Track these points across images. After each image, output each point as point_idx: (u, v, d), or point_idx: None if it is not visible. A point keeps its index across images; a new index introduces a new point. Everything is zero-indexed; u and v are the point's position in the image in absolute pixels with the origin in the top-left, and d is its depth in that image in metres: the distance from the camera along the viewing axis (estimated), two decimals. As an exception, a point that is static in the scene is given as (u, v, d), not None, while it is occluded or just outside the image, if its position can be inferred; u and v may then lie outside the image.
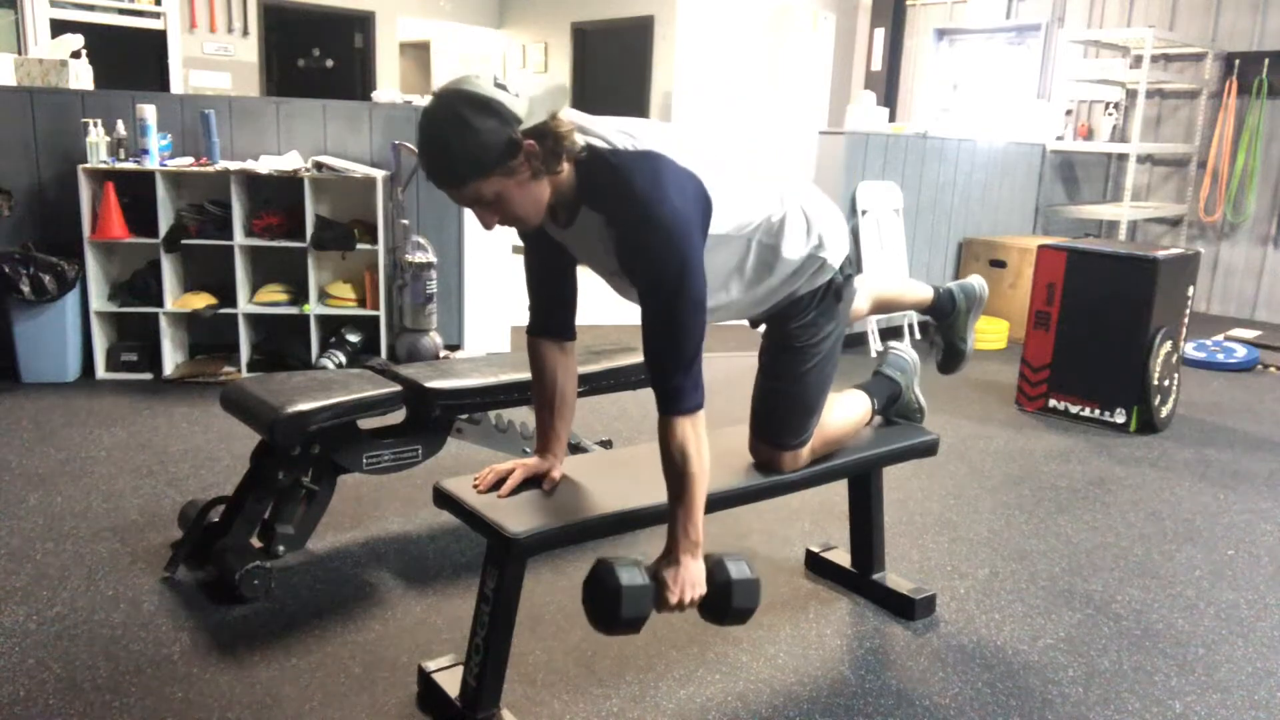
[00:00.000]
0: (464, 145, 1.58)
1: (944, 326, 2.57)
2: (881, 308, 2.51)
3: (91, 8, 6.72)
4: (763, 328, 2.16)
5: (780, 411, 2.07)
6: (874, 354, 5.30)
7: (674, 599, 1.73)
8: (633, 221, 1.66)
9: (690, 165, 1.72)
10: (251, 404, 2.41)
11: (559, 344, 2.00)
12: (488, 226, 1.71)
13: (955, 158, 5.94)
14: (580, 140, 1.67)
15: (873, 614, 2.46)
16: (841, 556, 2.64)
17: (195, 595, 2.42)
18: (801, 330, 2.03)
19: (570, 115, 1.67)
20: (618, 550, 2.73)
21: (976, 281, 2.57)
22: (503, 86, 1.60)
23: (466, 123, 1.57)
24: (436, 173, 1.63)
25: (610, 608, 1.67)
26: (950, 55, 8.48)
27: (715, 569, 1.77)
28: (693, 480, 1.73)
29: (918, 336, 5.72)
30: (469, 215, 4.79)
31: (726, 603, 1.76)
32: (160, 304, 4.27)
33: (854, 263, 2.09)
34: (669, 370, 1.71)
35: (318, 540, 2.73)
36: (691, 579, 1.75)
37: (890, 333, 5.69)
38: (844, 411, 2.27)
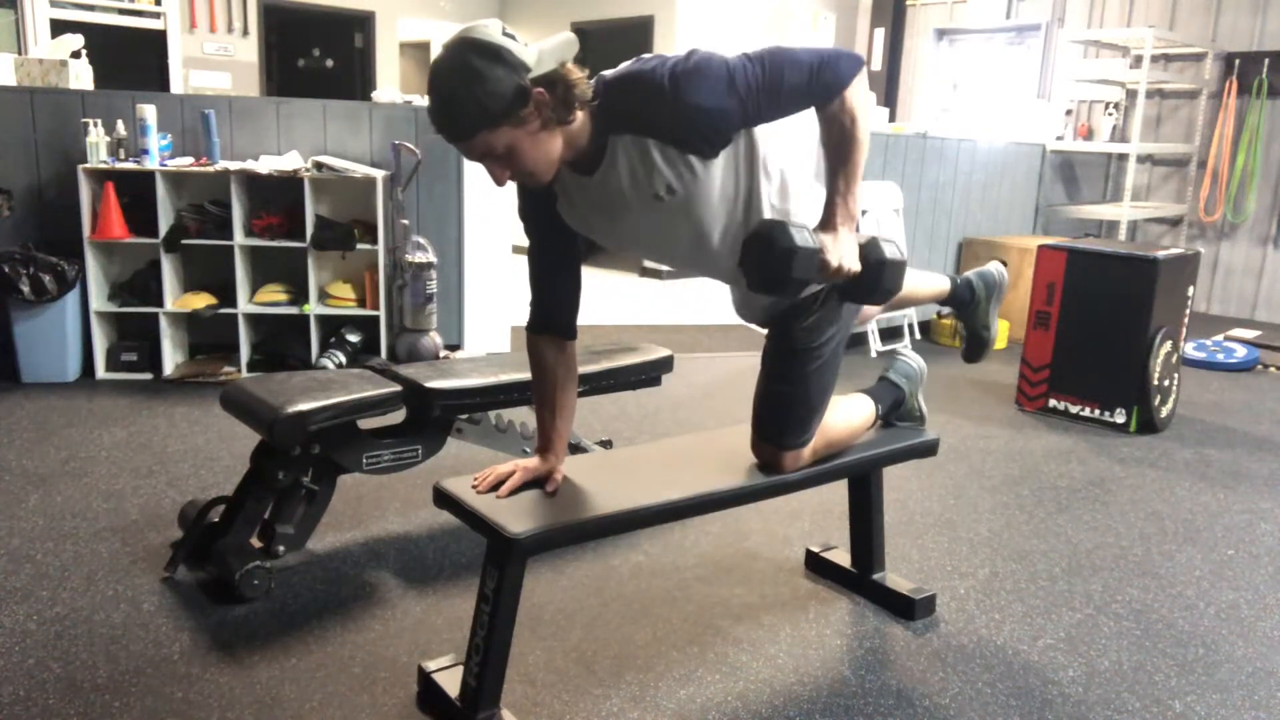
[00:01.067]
0: (472, 94, 1.55)
1: (965, 316, 2.56)
2: (896, 303, 2.50)
3: (91, 8, 6.72)
4: (764, 331, 2.16)
5: (782, 412, 2.07)
6: (874, 354, 5.30)
7: (833, 262, 1.73)
8: (666, 96, 1.63)
9: None
10: (251, 404, 2.41)
11: (560, 342, 1.99)
12: (499, 182, 1.68)
13: (955, 158, 5.94)
14: (590, 87, 1.65)
15: (873, 614, 2.46)
16: (841, 556, 2.64)
17: (195, 595, 2.42)
18: (804, 332, 2.02)
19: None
20: (618, 550, 2.73)
21: (995, 268, 2.56)
22: (511, 35, 1.59)
23: (475, 71, 1.54)
24: (445, 124, 1.60)
25: (783, 266, 1.67)
26: (950, 55, 8.49)
27: (868, 247, 1.80)
28: (858, 145, 1.73)
29: (918, 336, 5.72)
30: (469, 215, 4.79)
31: (878, 279, 1.79)
32: (160, 304, 4.27)
33: None
34: (821, 66, 1.69)
35: (318, 540, 2.73)
36: (848, 249, 1.76)
37: (890, 333, 5.69)
38: (847, 414, 2.26)
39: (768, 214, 1.88)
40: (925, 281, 2.54)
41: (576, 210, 1.85)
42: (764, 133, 1.80)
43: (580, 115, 1.66)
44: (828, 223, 1.76)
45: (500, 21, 1.62)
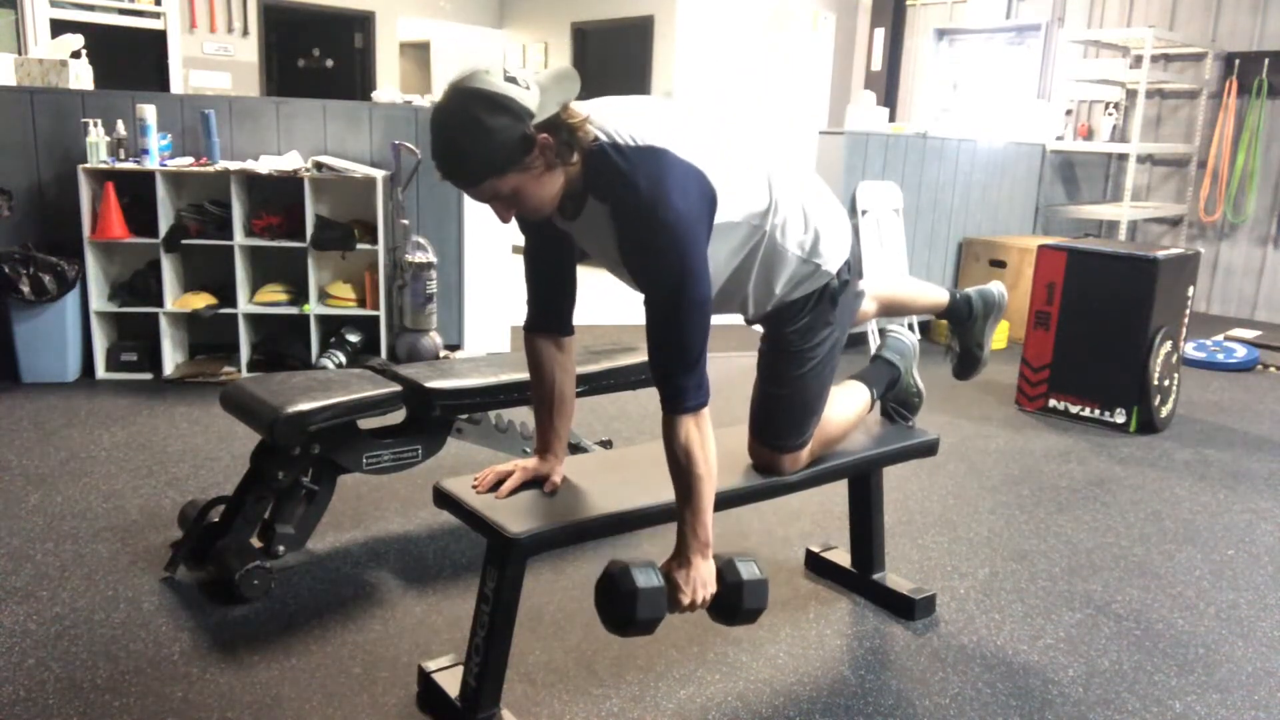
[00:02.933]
0: (478, 146, 1.57)
1: (961, 332, 2.55)
2: (891, 310, 2.49)
3: (91, 8, 6.72)
4: (760, 329, 2.16)
5: (778, 415, 2.07)
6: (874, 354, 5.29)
7: (686, 599, 1.73)
8: (636, 221, 1.66)
9: (694, 158, 1.71)
10: (251, 404, 2.41)
11: (557, 341, 1.99)
12: (504, 220, 1.71)
13: (955, 158, 5.94)
14: (591, 130, 1.66)
15: (873, 614, 2.46)
16: (841, 556, 2.64)
17: (195, 595, 2.42)
18: (796, 335, 2.02)
19: (578, 106, 1.67)
20: (618, 550, 2.73)
21: (996, 288, 2.55)
22: (513, 80, 1.59)
23: (480, 123, 1.56)
24: (452, 174, 1.62)
25: (626, 610, 1.67)
26: (950, 55, 8.48)
27: (725, 569, 1.77)
28: (699, 480, 1.73)
29: (917, 336, 5.71)
30: (469, 215, 4.80)
31: (738, 603, 1.76)
32: (160, 304, 4.27)
33: (853, 267, 2.06)
34: (672, 369, 1.71)
35: (318, 540, 2.73)
36: (703, 579, 1.75)
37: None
38: (843, 408, 2.25)
39: (764, 241, 1.90)
40: (924, 291, 2.53)
41: (566, 228, 1.87)
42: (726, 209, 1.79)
43: (578, 157, 1.67)
44: (680, 555, 1.76)
45: (501, 66, 1.62)
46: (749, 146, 1.88)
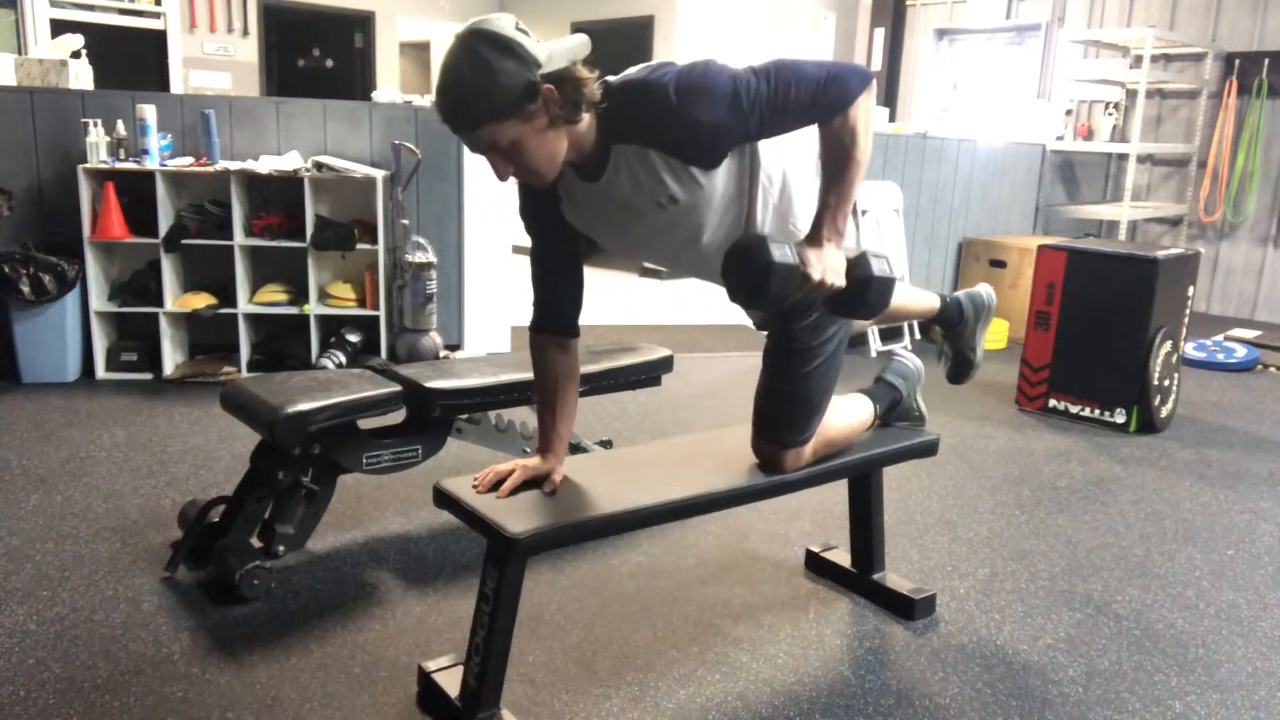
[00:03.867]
0: (481, 85, 1.55)
1: (953, 336, 2.55)
2: (885, 317, 2.50)
3: (91, 8, 6.72)
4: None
5: (783, 410, 2.07)
6: (874, 354, 5.30)
7: (816, 275, 1.71)
8: (675, 106, 1.63)
9: None
10: (251, 404, 2.41)
11: (562, 341, 1.99)
12: (502, 177, 1.68)
13: (955, 158, 5.94)
14: (598, 91, 1.65)
15: (873, 614, 2.46)
16: (841, 556, 2.64)
17: (195, 595, 2.42)
18: (804, 331, 2.02)
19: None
20: (618, 550, 2.73)
21: (985, 291, 2.56)
22: (524, 30, 1.58)
23: (486, 62, 1.54)
24: (452, 114, 1.60)
25: (760, 281, 1.66)
26: (950, 55, 8.49)
27: (857, 263, 1.77)
28: (855, 163, 1.71)
29: (917, 337, 5.72)
30: (469, 215, 4.80)
31: (865, 294, 1.77)
32: (160, 304, 4.27)
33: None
34: (820, 79, 1.67)
35: (318, 540, 2.73)
36: (834, 264, 1.74)
37: (891, 332, 5.68)
38: (847, 414, 2.26)
39: (770, 217, 1.88)
40: (916, 298, 2.54)
41: (580, 211, 1.85)
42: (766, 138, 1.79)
43: (587, 117, 1.66)
44: (814, 237, 1.75)
45: (513, 16, 1.62)
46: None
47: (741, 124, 1.66)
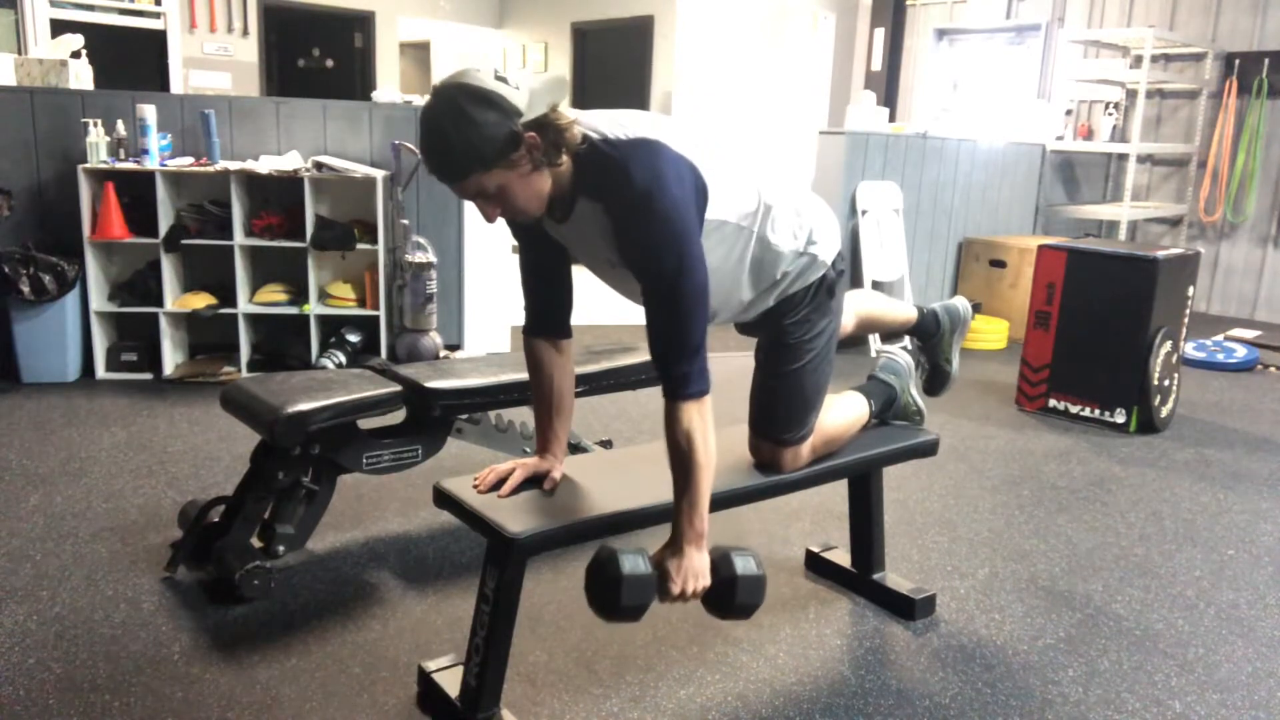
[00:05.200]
0: (465, 139, 1.58)
1: (929, 348, 2.57)
2: (865, 326, 2.51)
3: (91, 8, 6.72)
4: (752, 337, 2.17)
5: (779, 408, 2.08)
6: (874, 353, 5.30)
7: (676, 589, 1.73)
8: (631, 212, 1.66)
9: (685, 152, 1.72)
10: (251, 404, 2.41)
11: (555, 343, 2.00)
12: (489, 219, 1.71)
13: (955, 158, 5.94)
14: (579, 132, 1.68)
15: (873, 614, 2.46)
16: (841, 556, 2.64)
17: (195, 595, 2.42)
18: (795, 327, 2.03)
19: (567, 110, 1.68)
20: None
21: (960, 303, 2.57)
22: (503, 79, 1.60)
23: (468, 116, 1.57)
24: (438, 167, 1.63)
25: (611, 595, 1.67)
26: (950, 55, 8.48)
27: (720, 563, 1.77)
28: (698, 468, 1.73)
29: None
30: (469, 215, 4.80)
31: (730, 598, 1.76)
32: (160, 304, 4.27)
33: (846, 258, 2.09)
34: (674, 357, 1.72)
35: (318, 540, 2.73)
36: (695, 570, 1.75)
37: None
38: (842, 412, 2.27)
39: (753, 242, 1.90)
40: (893, 309, 2.56)
41: (557, 235, 1.87)
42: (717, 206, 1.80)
43: (567, 159, 1.68)
44: (674, 544, 1.76)
45: (493, 66, 1.64)
46: (737, 155, 1.90)
47: (648, 274, 1.69)
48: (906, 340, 2.73)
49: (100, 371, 4.28)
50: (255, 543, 2.53)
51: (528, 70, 9.50)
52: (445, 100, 1.60)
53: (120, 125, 4.19)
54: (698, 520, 1.75)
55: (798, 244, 1.95)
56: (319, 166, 4.34)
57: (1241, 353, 5.39)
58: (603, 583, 1.68)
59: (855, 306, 2.43)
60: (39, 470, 3.19)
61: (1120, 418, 4.09)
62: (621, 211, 1.68)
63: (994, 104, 7.94)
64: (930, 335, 2.55)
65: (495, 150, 1.59)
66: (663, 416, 1.76)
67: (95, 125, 4.14)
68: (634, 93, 8.54)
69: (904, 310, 2.54)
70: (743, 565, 1.76)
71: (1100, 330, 4.11)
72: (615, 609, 1.69)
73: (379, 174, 4.37)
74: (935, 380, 2.58)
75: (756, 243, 1.90)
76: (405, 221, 4.51)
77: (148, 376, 4.31)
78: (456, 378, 2.60)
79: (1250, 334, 6.06)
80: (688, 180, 1.70)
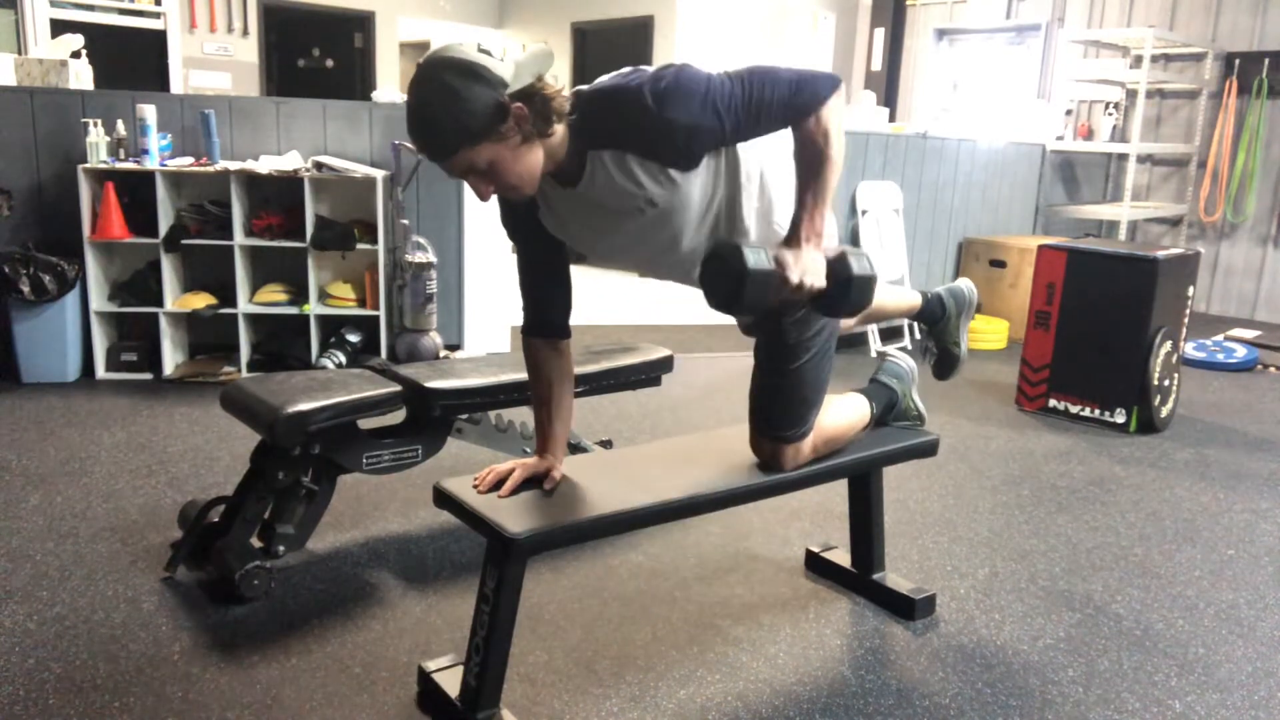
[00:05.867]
0: (451, 113, 1.56)
1: (936, 332, 2.56)
2: (868, 317, 2.50)
3: (91, 8, 6.72)
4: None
5: (779, 405, 2.08)
6: (874, 354, 5.30)
7: (794, 278, 1.72)
8: (648, 112, 1.64)
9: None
10: (251, 404, 2.41)
11: (554, 343, 2.00)
12: (483, 197, 1.69)
13: (955, 158, 5.94)
14: (568, 102, 1.66)
15: (873, 614, 2.46)
16: (841, 556, 2.64)
17: (195, 595, 2.42)
18: (794, 326, 2.03)
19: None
20: (618, 550, 2.73)
21: (965, 285, 2.57)
22: (487, 51, 1.59)
23: (452, 90, 1.56)
24: (426, 144, 1.62)
25: (735, 289, 1.66)
26: (950, 55, 8.49)
27: (837, 263, 1.77)
28: (830, 164, 1.73)
29: (917, 336, 5.72)
30: (469, 215, 4.80)
31: (845, 295, 1.77)
32: (160, 304, 4.27)
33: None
34: (799, 83, 1.70)
35: (318, 540, 2.73)
36: (813, 265, 1.74)
37: (891, 332, 5.69)
38: (844, 412, 2.27)
39: (750, 217, 1.88)
40: (897, 296, 2.55)
41: (557, 218, 1.87)
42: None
43: (560, 128, 1.67)
44: (792, 239, 1.76)
45: (475, 39, 1.63)
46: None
47: (717, 124, 1.68)
48: (907, 341, 2.72)
49: (100, 371, 4.28)
50: (255, 543, 2.53)
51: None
52: (429, 76, 1.58)
53: (120, 125, 4.19)
54: (819, 218, 1.74)
55: (766, 229, 1.93)
56: (319, 166, 4.34)
57: (1241, 353, 5.39)
58: (726, 276, 1.67)
59: None
60: (39, 470, 3.19)
61: (1120, 418, 4.09)
62: (636, 119, 1.65)
63: (994, 104, 7.94)
64: (936, 320, 2.54)
65: (482, 123, 1.57)
66: (802, 127, 1.73)
67: (95, 125, 4.14)
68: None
69: (908, 297, 2.53)
70: (858, 265, 1.77)
71: (1100, 330, 4.11)
72: (740, 302, 1.68)
73: (379, 174, 4.37)
74: (945, 364, 2.57)
75: (727, 204, 1.86)
76: (405, 221, 4.51)
77: (148, 376, 4.31)
78: (456, 378, 2.60)
79: (1250, 334, 6.06)
80: (698, 78, 1.68)
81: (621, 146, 1.70)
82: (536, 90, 1.60)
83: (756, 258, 1.66)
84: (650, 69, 1.70)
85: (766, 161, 1.88)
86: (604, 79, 1.74)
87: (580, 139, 1.70)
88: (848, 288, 1.76)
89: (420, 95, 1.59)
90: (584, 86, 1.73)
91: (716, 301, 1.72)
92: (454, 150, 1.60)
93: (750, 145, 1.83)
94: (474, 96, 1.55)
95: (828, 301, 1.79)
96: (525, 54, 1.62)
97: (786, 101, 1.70)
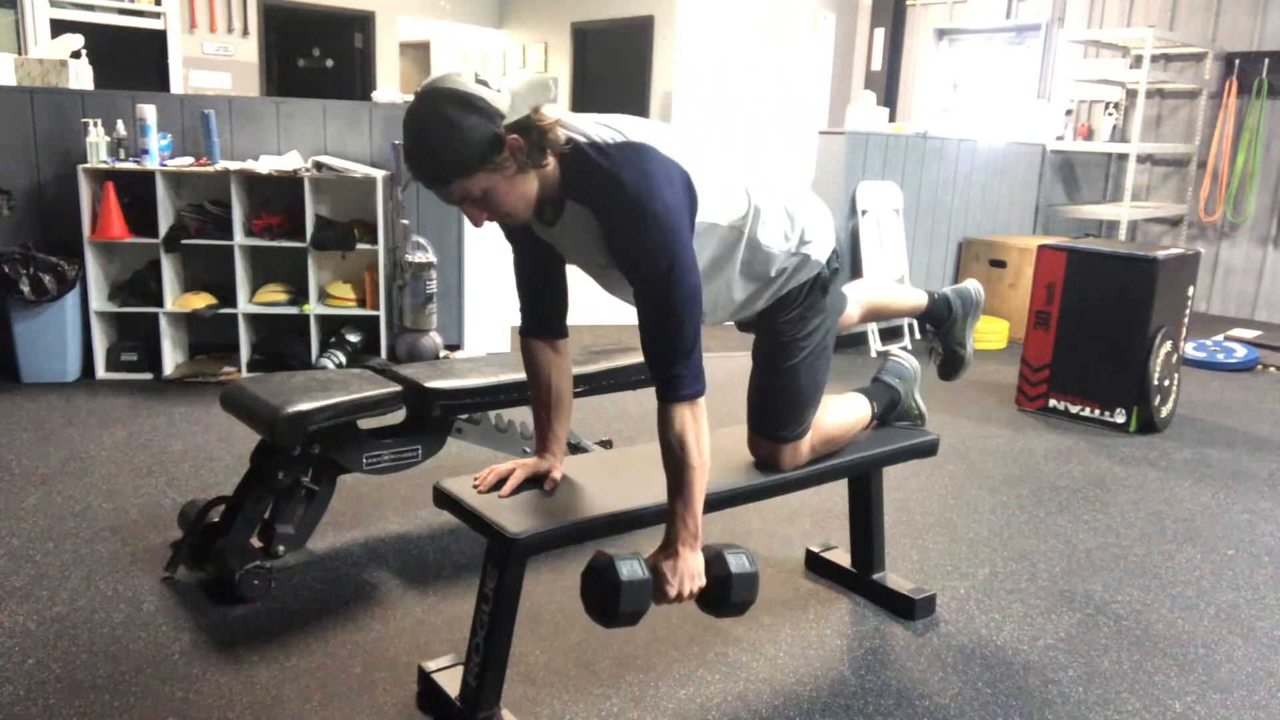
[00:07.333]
0: (448, 144, 1.58)
1: (942, 333, 2.56)
2: (872, 315, 2.50)
3: (91, 8, 6.72)
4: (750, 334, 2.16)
5: (776, 405, 2.08)
6: (874, 354, 5.30)
7: (672, 591, 1.73)
8: (622, 216, 1.66)
9: (674, 155, 1.72)
10: (251, 404, 2.41)
11: (552, 343, 2.00)
12: (477, 224, 1.71)
13: (955, 158, 5.94)
14: (563, 134, 1.67)
15: (873, 614, 2.46)
16: (841, 556, 2.64)
17: (195, 595, 2.42)
18: (789, 325, 2.03)
19: (551, 110, 1.67)
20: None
21: (973, 286, 2.56)
22: (484, 82, 1.60)
23: (450, 121, 1.57)
24: (422, 173, 1.63)
25: (609, 601, 1.67)
26: (950, 55, 8.49)
27: (714, 561, 1.77)
28: (691, 471, 1.72)
29: (918, 336, 5.72)
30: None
31: (725, 596, 1.76)
32: (160, 304, 4.27)
33: (840, 256, 2.09)
34: (667, 359, 1.71)
35: (318, 540, 2.73)
36: (690, 571, 1.75)
37: (891, 332, 5.69)
38: (844, 412, 2.26)
39: (744, 244, 1.90)
40: (903, 295, 2.54)
41: (550, 238, 1.87)
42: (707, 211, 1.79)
43: (553, 160, 1.68)
44: (668, 545, 1.76)
45: (473, 69, 1.64)
46: (726, 159, 1.90)
47: (640, 278, 1.68)
48: (907, 341, 2.72)
49: (100, 371, 4.28)
50: (255, 543, 2.53)
51: (527, 69, 9.51)
52: (426, 106, 1.60)
53: (120, 125, 4.19)
54: (691, 521, 1.74)
55: (789, 245, 1.95)
56: (319, 166, 4.34)
57: (1241, 353, 5.39)
58: (600, 589, 1.68)
59: (860, 295, 2.41)
60: (39, 470, 3.19)
61: (1120, 418, 4.09)
62: (612, 215, 1.67)
63: (994, 104, 7.94)
64: (942, 320, 2.54)
65: (478, 154, 1.58)
66: (656, 426, 1.75)
67: (95, 125, 4.14)
68: (634, 93, 8.54)
69: (912, 297, 2.53)
70: (736, 563, 1.76)
71: (1100, 330, 4.11)
72: (614, 615, 1.69)
73: (379, 174, 4.37)
74: (951, 365, 2.57)
75: (746, 245, 1.90)
76: (405, 221, 4.51)
77: (148, 376, 4.31)
78: (456, 378, 2.60)
79: (1250, 334, 6.06)
80: (678, 183, 1.69)
81: (594, 213, 1.70)
82: (532, 123, 1.61)
83: (630, 569, 1.67)
84: (655, 175, 1.66)
85: (761, 208, 1.90)
86: (607, 137, 1.69)
87: (566, 183, 1.71)
88: (726, 587, 1.75)
89: (417, 126, 1.60)
90: (582, 138, 1.68)
91: (593, 613, 1.72)
92: (450, 180, 1.61)
93: (717, 211, 1.82)
94: (470, 128, 1.56)
95: (711, 600, 1.79)
96: (522, 84, 1.63)
97: (657, 337, 1.70)
